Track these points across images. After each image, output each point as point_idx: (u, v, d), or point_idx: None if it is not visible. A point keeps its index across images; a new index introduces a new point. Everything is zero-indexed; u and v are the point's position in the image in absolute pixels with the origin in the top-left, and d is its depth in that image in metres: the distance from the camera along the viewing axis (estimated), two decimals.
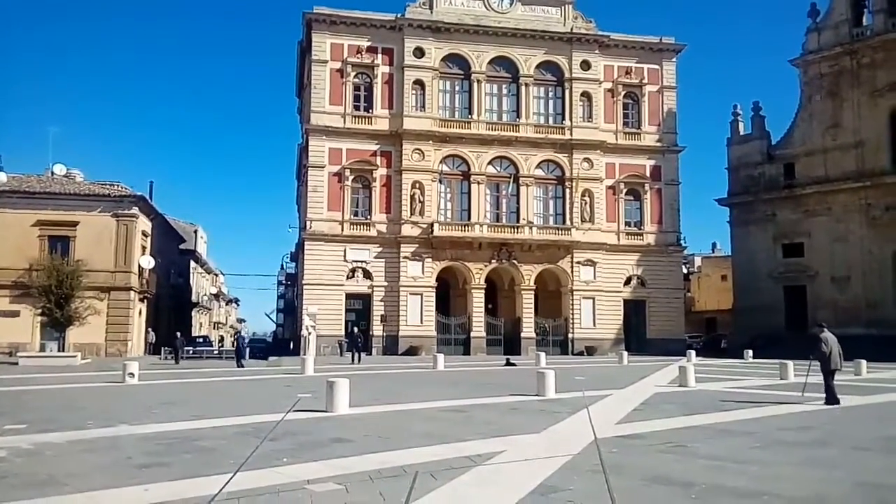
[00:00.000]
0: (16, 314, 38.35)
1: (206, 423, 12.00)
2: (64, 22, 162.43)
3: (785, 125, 52.72)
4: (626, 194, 49.23)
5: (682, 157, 50.48)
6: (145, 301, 45.44)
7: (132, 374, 20.98)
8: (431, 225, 44.69)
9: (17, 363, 31.59)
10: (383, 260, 44.93)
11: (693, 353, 38.29)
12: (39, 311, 35.55)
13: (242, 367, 30.54)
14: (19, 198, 39.79)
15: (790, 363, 23.57)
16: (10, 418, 12.48)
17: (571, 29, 48.53)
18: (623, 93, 49.82)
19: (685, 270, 62.97)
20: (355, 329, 38.10)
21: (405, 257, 44.79)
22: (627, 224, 49.09)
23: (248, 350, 43.92)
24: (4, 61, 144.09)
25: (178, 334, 38.27)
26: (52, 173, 45.17)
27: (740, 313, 52.67)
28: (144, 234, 44.59)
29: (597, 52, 49.00)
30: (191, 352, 41.52)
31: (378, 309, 44.53)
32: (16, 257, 38.36)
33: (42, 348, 36.69)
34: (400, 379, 24.51)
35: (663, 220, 49.39)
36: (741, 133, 54.38)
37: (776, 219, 51.11)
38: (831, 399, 15.33)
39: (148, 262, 43.77)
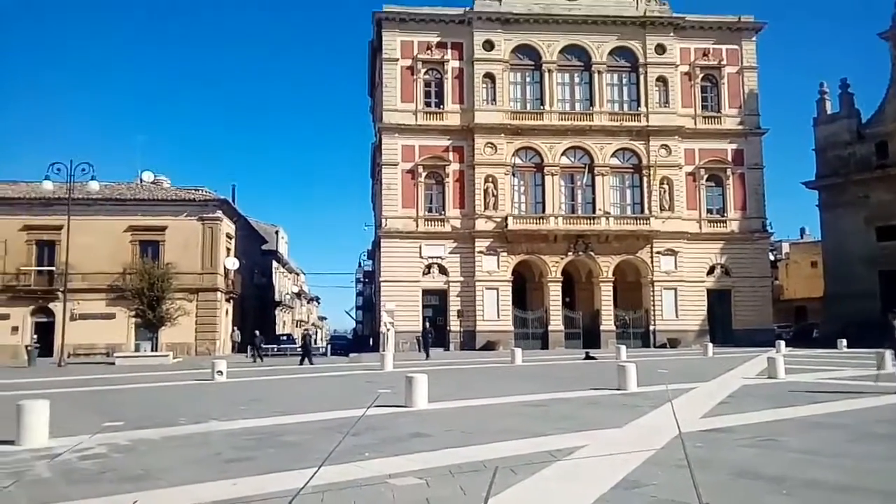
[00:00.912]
0: (112, 316, 40.43)
1: (290, 419, 12.31)
2: (149, 33, 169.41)
3: (875, 102, 50.09)
4: (707, 180, 47.79)
5: (765, 140, 48.67)
6: (231, 301, 47.01)
7: (220, 372, 21.70)
8: (505, 218, 44.53)
9: (113, 363, 33.25)
10: (458, 255, 45.05)
11: (782, 343, 36.86)
12: (133, 312, 37.31)
13: (312, 364, 30.91)
14: (112, 205, 41.86)
15: (888, 353, 22.34)
16: (109, 416, 13.10)
17: (644, 12, 47.40)
18: (701, 75, 48.35)
19: (772, 257, 60.60)
20: (427, 325, 38.36)
21: (480, 252, 44.78)
22: (709, 211, 47.66)
23: (328, 347, 44.74)
24: (96, 76, 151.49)
25: (257, 332, 38.33)
26: (141, 180, 47.23)
27: (832, 301, 50.31)
28: (228, 236, 46.12)
29: (672, 34, 47.70)
30: (275, 349, 42.69)
31: (454, 304, 44.68)
32: (111, 262, 40.42)
33: (136, 348, 38.48)
34: (478, 374, 24.51)
35: (747, 206, 47.70)
36: (828, 112, 51.87)
37: (869, 201, 48.55)
38: None
39: (232, 264, 45.27)
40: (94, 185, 33.77)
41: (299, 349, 36.47)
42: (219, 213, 43.82)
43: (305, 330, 37.72)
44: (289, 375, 24.62)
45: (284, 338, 56.71)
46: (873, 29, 54.21)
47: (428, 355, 34.00)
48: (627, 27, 47.40)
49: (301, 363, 31.36)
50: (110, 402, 16.24)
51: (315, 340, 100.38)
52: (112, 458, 8.95)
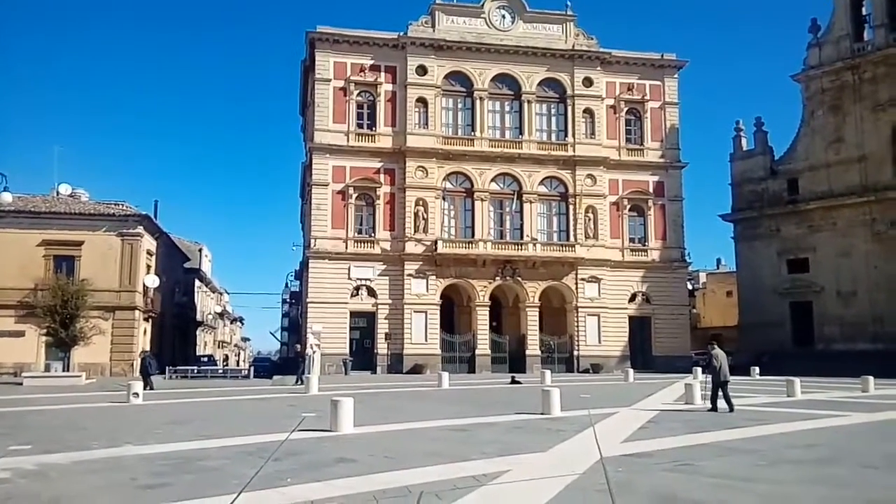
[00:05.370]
0: (20, 334, 38.34)
1: (210, 443, 11.96)
2: (75, 44, 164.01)
3: (787, 140, 52.83)
4: (630, 210, 49.24)
5: (685, 173, 50.56)
6: (150, 320, 45.45)
7: (136, 394, 20.94)
8: (435, 242, 44.73)
9: (21, 383, 31.54)
10: (387, 277, 44.92)
11: (699, 370, 38.07)
12: (44, 331, 35.48)
13: (152, 388, 27.12)
14: (25, 218, 39.99)
15: (797, 380, 23.42)
16: (15, 439, 12.46)
17: (573, 46, 48.81)
18: (625, 109, 49.98)
19: (690, 287, 62.73)
20: (299, 348, 36.90)
21: (409, 275, 44.78)
22: (631, 240, 49.05)
23: (251, 369, 43.54)
24: (12, 82, 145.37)
25: (146, 353, 31.93)
26: (58, 193, 45.40)
27: (746, 329, 52.42)
28: (149, 253, 44.69)
29: (599, 68, 49.24)
30: (195, 371, 41.44)
31: (382, 327, 44.45)
32: (21, 277, 38.48)
33: (47, 368, 36.63)
34: (405, 397, 24.40)
35: (667, 236, 49.34)
36: (744, 148, 54.43)
37: (780, 234, 51.02)
38: (729, 407, 17.47)
39: (152, 282, 43.84)
40: (6, 197, 32.10)
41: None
42: (139, 229, 42.44)
43: (144, 351, 33.05)
44: (209, 398, 23.92)
45: (205, 359, 55.29)
46: (787, 71, 57.37)
47: (146, 386, 26.71)
48: (556, 59, 48.68)
49: (145, 388, 28.26)
50: (17, 425, 15.42)
51: (238, 362, 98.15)
52: (17, 484, 8.49)
